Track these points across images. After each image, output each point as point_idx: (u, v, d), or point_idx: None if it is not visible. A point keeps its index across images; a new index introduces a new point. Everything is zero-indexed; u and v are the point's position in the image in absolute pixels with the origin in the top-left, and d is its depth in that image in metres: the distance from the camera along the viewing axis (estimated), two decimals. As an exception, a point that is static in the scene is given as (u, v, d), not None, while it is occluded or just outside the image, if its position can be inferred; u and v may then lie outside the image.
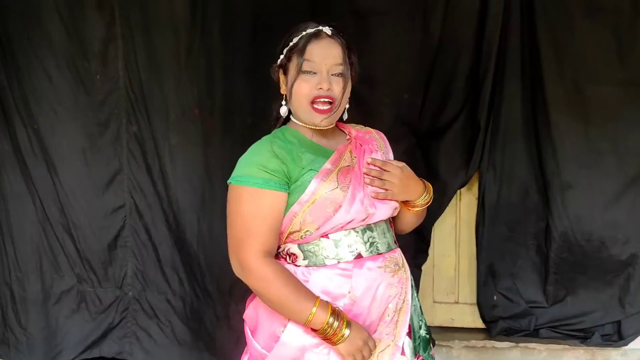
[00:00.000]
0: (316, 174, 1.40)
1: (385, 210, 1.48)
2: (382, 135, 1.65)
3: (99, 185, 2.86)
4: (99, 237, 2.87)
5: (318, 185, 1.39)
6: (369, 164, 1.47)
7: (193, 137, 2.80)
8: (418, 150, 2.76)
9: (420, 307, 1.58)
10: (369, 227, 1.46)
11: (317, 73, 1.41)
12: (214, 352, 2.82)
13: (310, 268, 1.43)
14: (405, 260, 1.54)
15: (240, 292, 2.75)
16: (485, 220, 2.78)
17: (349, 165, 1.46)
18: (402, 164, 1.52)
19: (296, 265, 1.44)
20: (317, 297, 1.36)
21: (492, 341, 2.78)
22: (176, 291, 2.88)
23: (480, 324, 2.91)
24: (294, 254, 1.45)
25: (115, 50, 2.81)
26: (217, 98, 2.79)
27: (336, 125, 1.56)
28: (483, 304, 2.84)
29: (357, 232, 1.43)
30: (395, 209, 1.52)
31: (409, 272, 1.53)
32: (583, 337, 2.72)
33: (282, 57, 1.47)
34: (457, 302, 2.99)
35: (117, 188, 2.87)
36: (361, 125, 1.63)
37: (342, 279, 1.42)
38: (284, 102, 1.49)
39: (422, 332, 1.52)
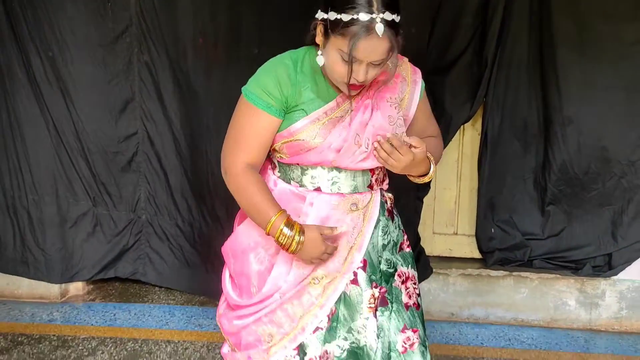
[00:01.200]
0: (305, 116, 1.44)
1: (361, 166, 1.49)
2: (418, 76, 1.57)
3: (113, 112, 2.90)
4: (113, 163, 2.95)
5: (300, 128, 1.43)
6: (381, 140, 1.42)
7: (201, 66, 2.81)
8: (424, 84, 2.77)
9: (388, 244, 1.58)
10: (337, 169, 1.50)
11: (356, 63, 1.34)
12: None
13: (280, 180, 1.55)
14: (375, 205, 1.55)
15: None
16: (487, 154, 2.82)
17: (341, 117, 1.46)
18: (421, 146, 1.43)
19: (273, 174, 1.57)
20: (280, 209, 1.45)
21: (487, 270, 2.89)
22: (185, 217, 2.98)
23: (477, 255, 3.00)
24: (274, 164, 1.58)
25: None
26: (222, 28, 2.79)
27: None
28: (481, 236, 2.92)
29: (324, 168, 1.50)
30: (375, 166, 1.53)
31: (372, 216, 1.54)
32: (575, 268, 2.81)
33: (327, 15, 1.34)
34: (455, 234, 3.07)
35: (129, 115, 2.91)
36: (398, 61, 1.46)
37: (296, 199, 1.51)
38: (320, 52, 1.40)
39: (383, 267, 1.56)
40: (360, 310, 1.52)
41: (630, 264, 2.76)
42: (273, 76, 1.44)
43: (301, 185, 1.52)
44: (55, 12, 2.79)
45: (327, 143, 1.44)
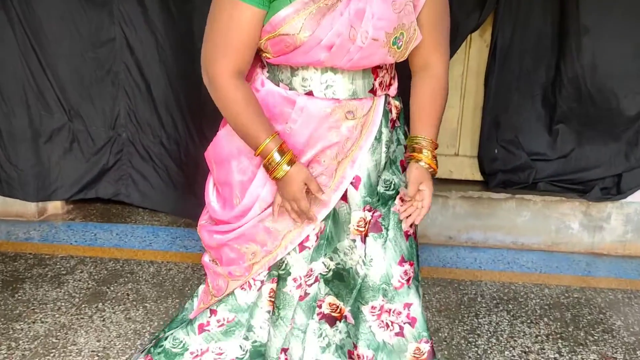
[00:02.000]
0: (289, 4, 1.20)
1: (360, 65, 1.27)
2: None
3: (87, 13, 2.61)
4: (88, 72, 2.68)
5: (284, 19, 1.20)
6: (401, 200, 1.33)
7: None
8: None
9: (393, 162, 1.39)
10: (332, 69, 1.28)
11: None
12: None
13: (268, 80, 1.34)
14: (378, 114, 1.33)
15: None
16: (495, 68, 2.59)
17: (332, 4, 1.21)
18: (427, 188, 1.32)
19: (262, 73, 1.36)
20: (275, 132, 1.28)
21: (489, 192, 2.73)
22: (171, 134, 2.75)
23: (478, 177, 2.83)
24: (263, 63, 1.37)
25: None
26: None
27: None
28: (484, 157, 2.74)
29: (317, 69, 1.28)
30: (384, 61, 1.29)
31: (372, 127, 1.33)
32: (582, 190, 2.66)
33: None
34: (457, 155, 2.88)
35: (105, 18, 2.62)
36: None
37: (284, 103, 1.31)
38: None
39: (381, 189, 1.37)
40: (347, 231, 1.35)
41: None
42: None
43: (291, 88, 1.31)
44: None
45: (316, 38, 1.21)
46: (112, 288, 2.33)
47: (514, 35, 2.58)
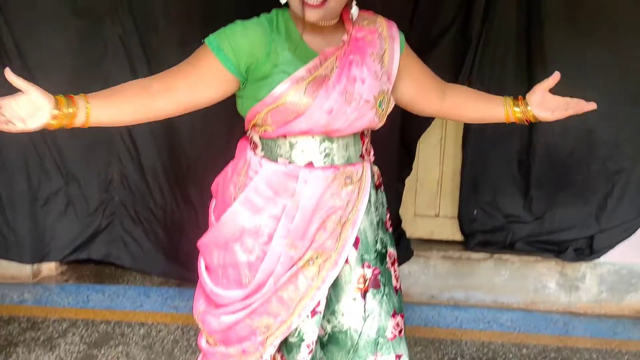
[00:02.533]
0: (287, 77, 1.31)
1: (354, 127, 1.38)
2: (394, 30, 1.46)
3: (86, 87, 2.75)
4: (86, 139, 2.80)
5: (285, 91, 1.30)
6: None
7: (175, 41, 2.65)
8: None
9: (382, 222, 1.51)
10: (329, 138, 1.39)
11: None
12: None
13: (264, 159, 1.41)
14: (367, 177, 1.45)
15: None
16: (472, 134, 2.73)
17: (325, 75, 1.33)
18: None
19: (255, 154, 1.43)
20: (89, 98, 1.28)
21: (468, 252, 2.82)
22: (157, 201, 2.85)
23: (458, 237, 2.92)
24: (255, 143, 1.44)
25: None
26: (196, 2, 2.64)
27: (341, 18, 1.39)
28: (463, 218, 2.84)
29: (315, 139, 1.37)
30: (370, 124, 1.42)
31: (366, 189, 1.44)
32: (557, 251, 2.74)
33: None
34: (437, 216, 2.99)
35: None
36: (369, 19, 1.44)
37: (287, 179, 1.39)
38: None
39: (378, 247, 1.47)
40: (346, 290, 1.42)
41: (612, 248, 2.70)
42: (246, 29, 1.32)
43: (290, 162, 1.38)
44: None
45: (318, 104, 1.31)
46: (102, 351, 2.38)
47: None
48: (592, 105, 1.53)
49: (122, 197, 2.88)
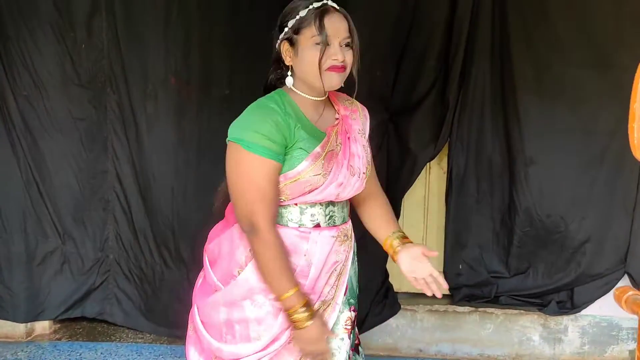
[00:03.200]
0: (307, 155, 1.45)
1: (352, 193, 1.58)
2: (367, 112, 1.69)
3: (84, 151, 2.86)
4: (83, 199, 2.88)
5: (306, 167, 1.44)
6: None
7: (169, 107, 2.78)
8: (390, 125, 2.76)
9: (357, 269, 1.69)
10: (332, 203, 1.56)
11: (331, 45, 1.44)
12: (187, 320, 2.85)
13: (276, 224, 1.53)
14: (352, 232, 1.65)
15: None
16: (453, 192, 2.80)
17: (333, 150, 1.50)
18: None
19: None
20: (298, 284, 1.47)
21: (454, 306, 2.85)
22: (148, 260, 2.90)
23: (446, 291, 3.00)
24: None
25: (100, 21, 2.79)
26: (194, 69, 2.77)
27: (328, 98, 1.58)
28: (448, 273, 2.87)
29: (322, 205, 1.53)
30: (361, 189, 1.60)
31: (353, 242, 1.65)
32: (540, 304, 2.79)
33: (287, 29, 1.47)
34: (423, 270, 3.06)
35: (101, 154, 2.86)
36: (349, 99, 1.66)
37: (300, 241, 1.52)
38: (289, 74, 1.49)
39: (356, 290, 1.68)
40: (336, 331, 1.57)
41: (593, 302, 2.74)
42: (270, 121, 1.43)
43: (300, 225, 1.52)
44: (30, 52, 2.76)
45: (332, 178, 1.48)
46: (94, 410, 2.39)
47: (468, 164, 2.79)
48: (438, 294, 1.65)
49: (117, 255, 2.93)
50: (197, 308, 1.63)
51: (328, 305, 1.56)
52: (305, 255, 1.52)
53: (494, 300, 2.86)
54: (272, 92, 1.53)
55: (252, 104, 1.51)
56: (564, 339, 2.83)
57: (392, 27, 2.73)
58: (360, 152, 1.57)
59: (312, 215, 1.53)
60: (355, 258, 1.67)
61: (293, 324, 1.46)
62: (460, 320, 2.88)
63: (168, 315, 2.85)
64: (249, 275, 1.51)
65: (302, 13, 1.45)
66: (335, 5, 1.48)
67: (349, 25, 1.47)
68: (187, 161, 2.80)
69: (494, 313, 2.85)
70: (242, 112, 2.73)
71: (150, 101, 2.82)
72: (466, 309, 2.87)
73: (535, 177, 2.71)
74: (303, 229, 1.53)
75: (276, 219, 1.49)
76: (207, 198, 2.82)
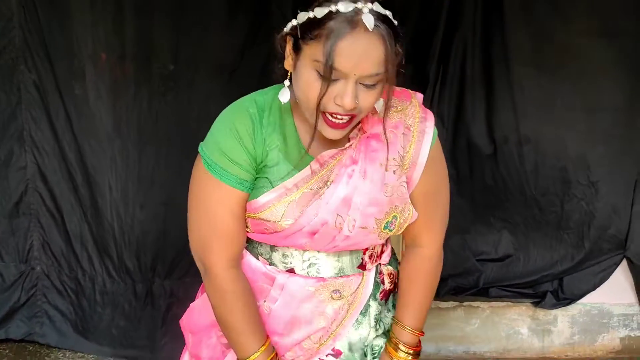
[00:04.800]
0: (270, 190, 1.01)
1: (349, 245, 1.06)
2: (427, 123, 1.07)
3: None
4: (-4, 204, 2.32)
5: (265, 204, 1.01)
6: None
7: (100, 88, 2.25)
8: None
9: (376, 325, 1.16)
10: None
11: (342, 80, 0.91)
12: (134, 337, 2.38)
13: (246, 251, 1.13)
14: (367, 289, 1.12)
15: (164, 267, 2.34)
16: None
17: (317, 190, 1.01)
18: None
19: None
20: (267, 340, 1.07)
21: (437, 302, 2.50)
22: (86, 270, 2.38)
23: None
24: None
25: (5, -18, 2.18)
26: (129, 42, 2.23)
27: None
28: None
29: (297, 249, 1.08)
30: (373, 244, 1.09)
31: (359, 304, 1.11)
32: (532, 295, 2.50)
33: (294, 24, 0.95)
34: (402, 263, 2.73)
35: (15, 145, 2.29)
36: (403, 103, 1.06)
37: (264, 279, 1.10)
38: (287, 83, 1.00)
39: (369, 357, 1.15)
40: None
41: (593, 290, 2.47)
42: (233, 136, 1.00)
43: (270, 263, 1.10)
44: None
45: (298, 226, 1.01)
46: None
47: (448, 143, 2.45)
48: None
49: (45, 266, 2.38)
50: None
51: None
52: (265, 301, 1.09)
53: (483, 293, 2.53)
54: (273, 87, 1.06)
55: (240, 99, 1.06)
56: (553, 330, 2.56)
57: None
58: (366, 199, 1.01)
59: (284, 256, 1.09)
60: (376, 322, 1.14)
61: None
62: (445, 317, 2.54)
63: (112, 333, 2.37)
64: (201, 302, 1.16)
65: (320, 12, 0.90)
66: (370, 21, 0.88)
67: (386, 54, 0.90)
68: (125, 152, 2.27)
69: (480, 307, 2.54)
70: (189, 90, 2.16)
71: (78, 81, 2.26)
72: (450, 304, 2.54)
73: (530, 157, 2.39)
74: (271, 268, 1.10)
75: (238, 259, 1.09)
76: (151, 196, 2.39)
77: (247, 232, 1.09)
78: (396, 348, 1.13)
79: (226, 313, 1.06)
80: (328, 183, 1.01)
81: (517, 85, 2.33)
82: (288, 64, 0.98)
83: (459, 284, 2.53)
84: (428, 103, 2.38)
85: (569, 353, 2.58)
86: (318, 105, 0.92)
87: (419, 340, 1.16)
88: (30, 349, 2.56)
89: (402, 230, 1.09)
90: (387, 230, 1.05)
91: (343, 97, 0.91)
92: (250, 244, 1.13)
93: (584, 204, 2.41)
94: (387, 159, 1.02)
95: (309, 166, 1.01)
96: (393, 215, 1.04)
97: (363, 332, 1.13)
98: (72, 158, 2.29)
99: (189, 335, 1.21)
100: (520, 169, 2.40)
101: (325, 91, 0.91)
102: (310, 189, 1.01)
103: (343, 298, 1.09)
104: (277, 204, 1.01)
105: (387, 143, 1.02)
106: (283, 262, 1.09)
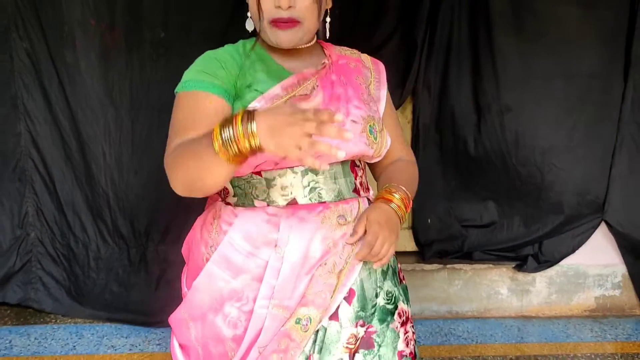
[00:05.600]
0: (260, 95, 1.05)
1: (347, 149, 1.06)
2: (380, 66, 1.24)
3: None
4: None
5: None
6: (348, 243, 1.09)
7: (91, 55, 2.21)
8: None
9: (388, 271, 1.17)
10: (312, 170, 1.09)
11: None
12: (129, 302, 2.39)
13: (238, 208, 1.11)
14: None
15: (158, 232, 2.35)
16: (420, 143, 2.46)
17: (305, 94, 1.08)
18: (377, 214, 1.07)
19: (226, 203, 1.14)
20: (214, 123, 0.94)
21: (421, 264, 2.56)
22: (79, 237, 2.37)
23: (413, 248, 2.66)
24: (226, 188, 1.14)
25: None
26: (119, 8, 2.19)
27: (318, 43, 1.19)
28: (418, 228, 2.57)
29: (296, 172, 1.08)
30: (360, 153, 1.12)
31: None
32: (514, 257, 2.55)
33: None
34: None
35: (10, 113, 2.27)
36: (355, 51, 1.24)
37: (268, 226, 1.08)
38: (248, 14, 1.11)
39: (381, 302, 1.13)
40: (332, 350, 1.09)
41: (573, 253, 2.52)
42: (213, 59, 1.09)
43: (269, 204, 1.08)
44: None
45: None
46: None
47: (434, 112, 2.47)
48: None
49: (40, 232, 2.38)
50: (172, 327, 1.20)
51: (317, 316, 1.08)
52: (276, 246, 1.07)
53: (466, 257, 2.58)
54: (242, 40, 1.16)
55: None
56: (532, 290, 2.63)
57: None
58: (351, 97, 1.12)
59: (282, 187, 1.08)
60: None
61: (247, 152, 0.89)
62: (429, 279, 2.60)
63: (106, 298, 2.38)
64: (210, 273, 1.09)
65: None
66: None
67: None
68: (119, 120, 2.25)
69: (463, 269, 2.59)
70: (181, 56, 2.16)
71: (68, 48, 2.22)
72: (435, 266, 2.59)
73: (511, 125, 2.40)
74: (273, 209, 1.08)
75: None
76: (145, 162, 2.39)
77: (239, 171, 1.06)
78: (390, 192, 1.12)
79: (185, 157, 0.97)
80: (315, 88, 1.09)
81: (499, 54, 2.32)
82: None
83: (444, 248, 2.57)
84: (415, 71, 2.37)
85: (546, 312, 2.66)
86: (258, 11, 1.05)
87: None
88: (30, 310, 2.59)
89: (383, 150, 1.15)
90: (372, 137, 1.12)
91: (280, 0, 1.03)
92: (240, 195, 1.10)
93: (563, 172, 2.43)
94: (363, 78, 1.17)
95: (293, 76, 1.08)
96: (372, 123, 1.12)
97: (370, 264, 1.11)
98: (65, 125, 2.27)
99: (190, 326, 1.15)
100: (502, 138, 2.41)
101: None
102: (299, 94, 1.07)
103: (348, 223, 1.11)
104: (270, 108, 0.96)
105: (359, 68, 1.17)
106: (283, 195, 1.08)
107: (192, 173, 0.95)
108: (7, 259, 2.39)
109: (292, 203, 1.08)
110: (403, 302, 1.19)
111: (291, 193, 1.09)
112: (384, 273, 1.16)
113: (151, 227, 2.33)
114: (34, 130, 2.28)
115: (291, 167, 1.08)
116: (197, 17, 2.20)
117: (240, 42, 1.16)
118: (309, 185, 1.09)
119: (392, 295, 1.16)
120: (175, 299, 1.25)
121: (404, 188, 1.14)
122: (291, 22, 1.05)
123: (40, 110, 2.26)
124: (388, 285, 1.15)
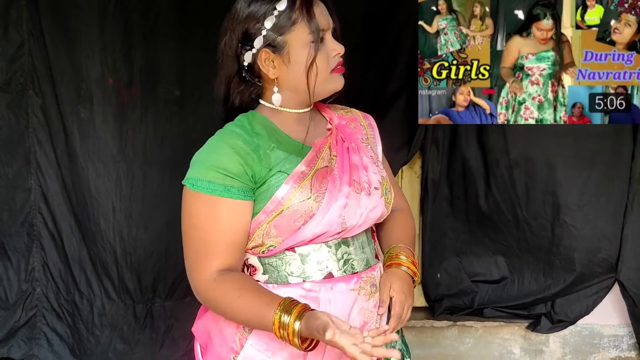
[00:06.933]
0: (287, 177, 1.01)
1: (369, 220, 1.08)
2: (371, 120, 1.22)
3: (2, 166, 2.20)
4: (2, 224, 2.22)
5: (288, 192, 0.99)
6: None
7: (107, 112, 2.19)
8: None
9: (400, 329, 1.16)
10: (344, 241, 1.06)
11: (325, 37, 1.05)
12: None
13: (270, 285, 1.04)
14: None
15: (165, 288, 2.25)
16: (429, 198, 2.41)
17: (326, 166, 1.05)
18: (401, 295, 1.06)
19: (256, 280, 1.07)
20: (281, 300, 0.96)
21: (431, 320, 2.44)
22: (84, 293, 2.27)
23: (424, 303, 2.53)
24: (253, 266, 1.07)
25: (18, 11, 2.15)
26: (136, 67, 2.18)
27: (315, 107, 1.14)
28: (428, 283, 2.47)
29: (330, 246, 1.04)
30: (381, 216, 1.11)
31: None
32: (526, 316, 2.43)
33: (266, 32, 1.02)
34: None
35: (22, 168, 2.22)
36: (344, 108, 1.20)
37: (305, 302, 0.99)
38: (275, 89, 1.05)
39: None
40: None
41: (587, 314, 2.40)
42: (227, 148, 1.01)
43: (305, 279, 1.04)
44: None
45: (330, 201, 1.00)
46: None
47: (443, 167, 2.42)
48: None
49: (45, 288, 2.28)
50: None
51: None
52: None
53: (477, 313, 2.45)
54: (239, 116, 1.09)
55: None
56: (545, 350, 2.48)
57: (362, 24, 2.29)
58: (367, 163, 1.10)
59: (318, 262, 1.04)
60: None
61: (295, 345, 0.93)
62: (439, 336, 2.47)
63: (109, 357, 2.26)
64: (248, 356, 1.04)
65: (282, 6, 1.00)
66: None
67: (328, 7, 1.07)
68: (130, 174, 2.21)
69: (474, 327, 2.46)
70: (194, 114, 2.13)
71: (84, 105, 2.20)
72: (444, 323, 2.46)
73: (521, 180, 2.34)
74: (309, 284, 1.03)
75: (237, 269, 1.03)
76: (155, 217, 2.32)
77: (271, 250, 1.02)
78: (397, 256, 1.11)
79: (233, 307, 0.99)
80: (334, 158, 1.06)
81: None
82: (272, 72, 1.04)
83: (454, 304, 2.46)
84: (423, 126, 2.35)
85: (562, 373, 2.51)
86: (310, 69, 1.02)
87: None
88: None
89: (391, 206, 1.14)
90: (386, 198, 1.10)
91: (335, 47, 1.05)
92: (273, 271, 1.05)
93: (573, 229, 2.34)
94: (365, 138, 1.15)
95: (312, 150, 1.06)
96: (385, 184, 1.11)
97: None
98: (75, 180, 2.21)
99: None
100: (512, 192, 2.35)
101: (317, 49, 1.02)
102: (321, 167, 1.04)
103: (378, 290, 1.08)
104: (299, 186, 1.00)
105: (362, 128, 1.17)
106: (319, 270, 1.04)
107: (238, 320, 1.03)
108: (13, 313, 2.29)
109: (328, 276, 1.05)
110: (407, 356, 1.20)
111: (327, 267, 1.05)
112: (398, 331, 1.14)
113: (158, 282, 2.24)
114: (44, 185, 2.23)
115: (325, 242, 1.04)
116: (211, 76, 2.19)
117: (242, 119, 1.08)
118: (342, 258, 1.07)
119: (402, 352, 1.16)
120: (180, 358, 1.16)
121: (407, 247, 1.14)
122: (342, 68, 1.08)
123: (52, 165, 2.22)
124: (399, 344, 1.17)
